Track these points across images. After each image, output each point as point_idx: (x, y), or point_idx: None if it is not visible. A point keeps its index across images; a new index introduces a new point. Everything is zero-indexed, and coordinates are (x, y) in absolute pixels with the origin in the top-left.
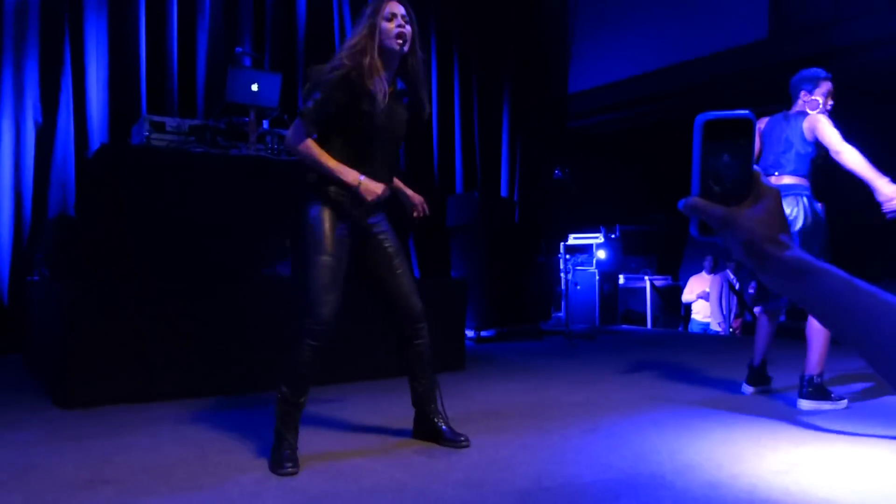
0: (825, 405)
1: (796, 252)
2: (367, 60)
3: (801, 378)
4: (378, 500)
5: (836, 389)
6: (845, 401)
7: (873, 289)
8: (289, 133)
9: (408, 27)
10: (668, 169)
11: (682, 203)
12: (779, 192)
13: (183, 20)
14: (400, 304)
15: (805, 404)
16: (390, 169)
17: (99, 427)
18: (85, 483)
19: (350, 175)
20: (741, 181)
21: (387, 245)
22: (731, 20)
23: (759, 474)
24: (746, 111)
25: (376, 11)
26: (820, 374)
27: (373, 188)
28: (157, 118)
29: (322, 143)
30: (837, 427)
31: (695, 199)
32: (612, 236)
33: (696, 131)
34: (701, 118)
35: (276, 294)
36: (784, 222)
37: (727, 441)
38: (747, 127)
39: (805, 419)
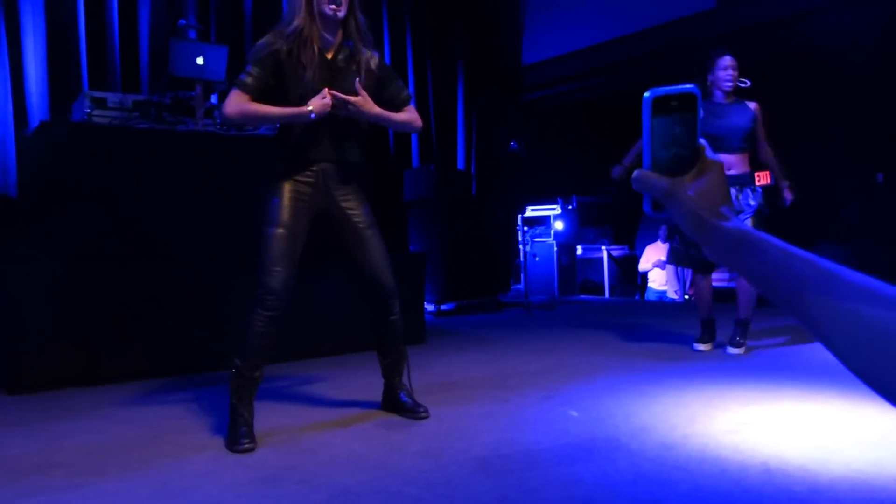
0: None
1: (737, 223)
2: (301, 30)
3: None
4: (336, 473)
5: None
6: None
7: (810, 256)
8: (224, 105)
9: None
10: (622, 139)
11: (633, 178)
12: (722, 165)
13: None
14: (371, 279)
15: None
16: (350, 137)
17: (48, 411)
18: (34, 467)
19: (300, 110)
20: (687, 154)
21: (356, 220)
22: None
23: (710, 434)
24: (692, 85)
25: None
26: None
27: (322, 101)
28: (98, 94)
29: None
30: (785, 386)
31: (642, 172)
32: (570, 207)
33: (644, 107)
34: (649, 94)
35: (228, 272)
36: (727, 194)
37: (680, 403)
38: (692, 100)
39: (754, 380)
